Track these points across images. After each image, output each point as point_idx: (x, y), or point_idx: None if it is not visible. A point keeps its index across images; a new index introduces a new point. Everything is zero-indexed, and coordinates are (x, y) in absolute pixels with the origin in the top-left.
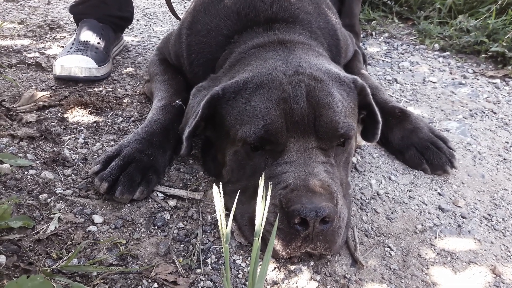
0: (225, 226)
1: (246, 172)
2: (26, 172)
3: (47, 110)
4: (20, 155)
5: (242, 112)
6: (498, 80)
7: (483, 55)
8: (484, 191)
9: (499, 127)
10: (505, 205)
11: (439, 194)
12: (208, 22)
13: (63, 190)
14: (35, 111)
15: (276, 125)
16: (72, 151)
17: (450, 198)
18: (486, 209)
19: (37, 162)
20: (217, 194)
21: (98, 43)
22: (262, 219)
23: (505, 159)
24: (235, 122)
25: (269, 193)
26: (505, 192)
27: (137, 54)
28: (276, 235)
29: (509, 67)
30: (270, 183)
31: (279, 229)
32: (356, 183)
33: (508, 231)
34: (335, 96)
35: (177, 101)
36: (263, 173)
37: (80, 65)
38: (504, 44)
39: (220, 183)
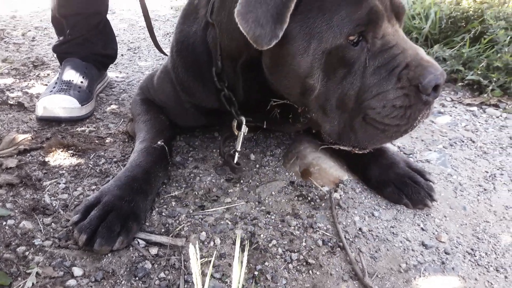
0: None
1: (338, 75)
2: (4, 223)
3: (28, 154)
4: None
5: None
6: (475, 108)
7: (459, 83)
8: (466, 224)
9: (478, 156)
10: (487, 238)
11: (422, 229)
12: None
13: (42, 241)
14: (15, 155)
15: (379, 8)
16: (52, 197)
17: (433, 233)
18: (469, 244)
19: (16, 211)
20: (193, 255)
21: (81, 82)
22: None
23: (485, 190)
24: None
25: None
26: (486, 225)
27: (121, 91)
28: (402, 112)
29: (485, 95)
30: (381, 75)
31: (409, 107)
32: (340, 221)
33: (491, 266)
34: None
35: (159, 142)
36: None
37: (62, 105)
38: (479, 72)
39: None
